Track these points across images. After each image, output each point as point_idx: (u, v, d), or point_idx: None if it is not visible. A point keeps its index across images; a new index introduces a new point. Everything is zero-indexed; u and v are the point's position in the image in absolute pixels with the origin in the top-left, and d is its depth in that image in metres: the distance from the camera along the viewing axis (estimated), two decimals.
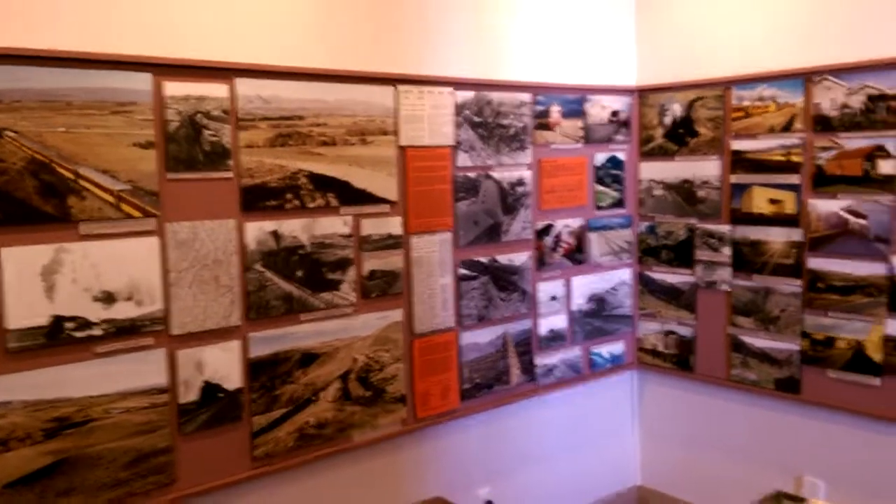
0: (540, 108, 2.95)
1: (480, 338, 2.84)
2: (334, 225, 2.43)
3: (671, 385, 3.31)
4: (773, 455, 2.98)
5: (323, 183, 2.40)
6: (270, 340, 2.31)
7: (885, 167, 2.55)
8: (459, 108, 2.72)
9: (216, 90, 2.17)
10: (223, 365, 2.22)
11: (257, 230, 2.27)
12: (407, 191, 2.59)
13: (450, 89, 2.69)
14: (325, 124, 2.39)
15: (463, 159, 2.75)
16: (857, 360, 2.66)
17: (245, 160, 2.23)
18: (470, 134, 2.76)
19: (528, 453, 3.08)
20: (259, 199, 2.27)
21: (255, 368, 2.28)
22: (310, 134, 2.36)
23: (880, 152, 2.55)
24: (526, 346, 2.98)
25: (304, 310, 2.38)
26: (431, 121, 2.64)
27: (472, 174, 2.78)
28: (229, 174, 2.21)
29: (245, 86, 2.22)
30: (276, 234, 2.31)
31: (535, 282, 2.99)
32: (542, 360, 3.04)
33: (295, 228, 2.35)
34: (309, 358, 2.40)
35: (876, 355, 2.61)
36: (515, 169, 2.90)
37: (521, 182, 2.92)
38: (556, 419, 3.16)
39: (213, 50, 2.17)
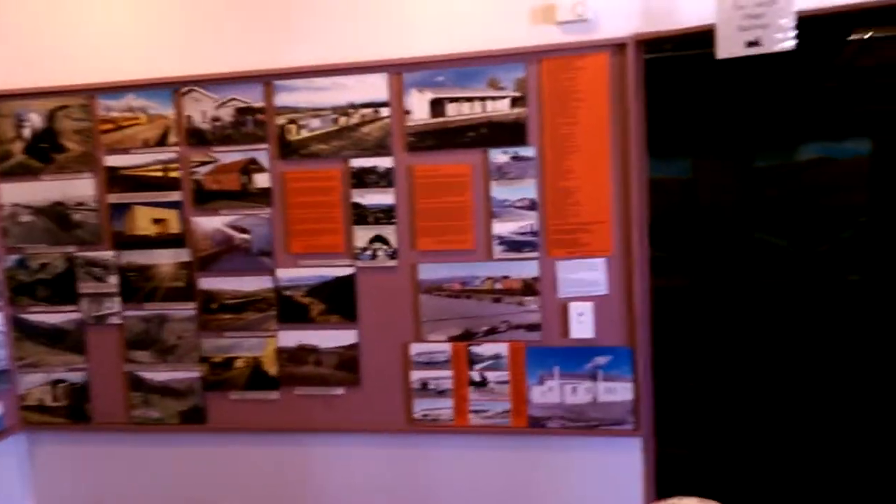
0: None
1: None
2: None
3: (68, 442, 2.81)
4: (190, 493, 2.76)
5: None
6: None
7: (260, 180, 2.55)
8: None
9: None
10: None
11: None
12: None
13: None
14: None
15: None
16: (256, 377, 2.62)
17: None
18: None
19: None
20: None
21: None
22: None
23: (254, 165, 2.54)
24: None
25: None
26: None
27: None
28: None
29: None
30: None
31: None
32: None
33: None
34: None
35: (272, 369, 2.61)
36: None
37: None
38: None
39: None
